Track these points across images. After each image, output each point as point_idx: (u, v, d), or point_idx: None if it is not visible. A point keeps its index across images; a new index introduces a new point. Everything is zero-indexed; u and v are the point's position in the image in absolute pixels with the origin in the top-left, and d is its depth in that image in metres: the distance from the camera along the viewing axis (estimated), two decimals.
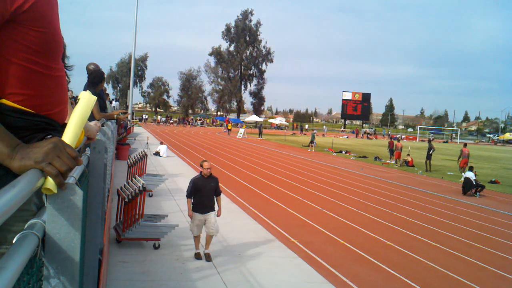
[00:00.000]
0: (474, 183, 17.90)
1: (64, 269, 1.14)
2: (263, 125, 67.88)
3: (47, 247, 1.13)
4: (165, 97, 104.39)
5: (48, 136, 1.41)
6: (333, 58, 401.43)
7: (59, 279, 1.14)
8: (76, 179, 1.53)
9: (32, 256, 1.01)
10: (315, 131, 47.62)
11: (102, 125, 4.59)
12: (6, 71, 1.37)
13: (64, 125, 1.44)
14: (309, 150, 36.08)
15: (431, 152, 26.68)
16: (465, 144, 25.92)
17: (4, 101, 1.38)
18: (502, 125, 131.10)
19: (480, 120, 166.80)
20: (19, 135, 1.31)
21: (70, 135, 1.33)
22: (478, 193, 17.79)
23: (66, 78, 1.65)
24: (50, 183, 1.13)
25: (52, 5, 1.47)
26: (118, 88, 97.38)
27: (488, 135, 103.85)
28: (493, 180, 23.28)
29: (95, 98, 1.47)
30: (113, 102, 21.11)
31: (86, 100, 1.44)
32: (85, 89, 6.72)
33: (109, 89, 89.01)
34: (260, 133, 54.53)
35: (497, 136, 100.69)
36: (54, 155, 1.17)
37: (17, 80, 1.39)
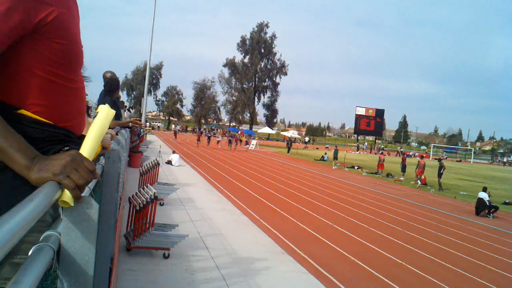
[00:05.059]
0: (488, 203, 17.69)
1: (78, 282, 1.14)
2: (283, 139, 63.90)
3: (62, 259, 1.13)
4: (178, 106, 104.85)
5: (66, 148, 1.42)
6: (348, 72, 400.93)
7: None
8: (91, 189, 1.54)
9: (47, 269, 1.01)
10: (327, 146, 47.35)
11: (116, 134, 4.61)
12: (27, 82, 1.39)
13: (81, 137, 1.45)
14: (333, 168, 34.64)
15: (442, 171, 26.65)
16: (422, 156, 30.14)
17: (24, 111, 1.40)
18: None
19: (494, 140, 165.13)
20: (37, 146, 1.32)
21: (88, 148, 1.34)
22: (491, 214, 17.57)
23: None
24: (67, 195, 1.13)
25: (74, 18, 1.49)
26: (133, 95, 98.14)
27: (500, 155, 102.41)
28: (507, 201, 22.99)
29: (113, 112, 1.47)
30: (130, 110, 21.31)
31: (105, 114, 1.44)
32: (101, 97, 6.79)
33: (123, 96, 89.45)
34: (289, 149, 49.66)
35: None
36: (72, 168, 1.17)
37: (37, 91, 1.41)
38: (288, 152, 48.80)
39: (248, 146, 49.80)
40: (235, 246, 9.19)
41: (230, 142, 47.37)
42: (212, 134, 53.28)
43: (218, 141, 48.11)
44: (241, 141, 56.15)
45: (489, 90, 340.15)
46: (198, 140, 46.50)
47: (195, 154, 33.65)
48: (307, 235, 11.07)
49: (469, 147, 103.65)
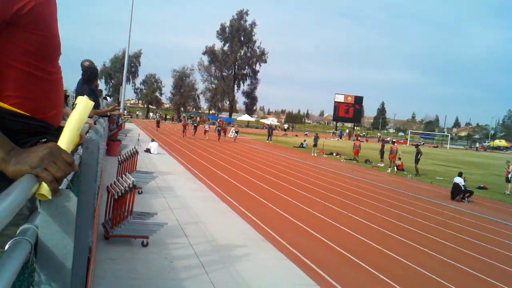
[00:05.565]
0: (463, 188, 18.04)
1: (56, 275, 1.14)
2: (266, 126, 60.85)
3: (39, 253, 1.13)
4: (157, 94, 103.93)
5: (43, 140, 1.41)
6: (327, 61, 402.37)
7: (50, 285, 1.14)
8: (69, 181, 1.53)
9: (24, 262, 1.00)
10: (306, 133, 47.58)
11: (95, 123, 4.57)
12: (3, 73, 1.37)
13: (59, 128, 1.44)
14: (313, 155, 34.89)
15: (419, 156, 27.11)
16: (393, 142, 32.79)
17: (0, 103, 1.38)
18: (492, 132, 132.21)
19: (470, 126, 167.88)
20: (14, 138, 1.30)
21: (66, 140, 1.32)
22: (466, 199, 17.92)
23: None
24: (45, 189, 1.12)
25: (51, 9, 1.47)
26: (111, 83, 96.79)
27: (478, 141, 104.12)
28: (481, 186, 23.47)
29: (92, 103, 1.46)
30: (108, 98, 21.07)
31: (83, 105, 1.43)
32: (79, 85, 6.70)
33: (102, 84, 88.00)
34: (270, 136, 48.45)
35: (487, 142, 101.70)
36: (50, 160, 1.16)
37: (14, 83, 1.39)
38: (270, 140, 48.01)
39: (232, 134, 47.52)
40: (215, 234, 9.22)
41: (219, 132, 43.18)
42: (197, 123, 47.85)
43: (205, 131, 41.92)
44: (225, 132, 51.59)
45: (465, 78, 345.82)
46: (184, 128, 42.50)
47: (177, 144, 33.52)
48: (287, 221, 11.15)
49: (445, 133, 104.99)
